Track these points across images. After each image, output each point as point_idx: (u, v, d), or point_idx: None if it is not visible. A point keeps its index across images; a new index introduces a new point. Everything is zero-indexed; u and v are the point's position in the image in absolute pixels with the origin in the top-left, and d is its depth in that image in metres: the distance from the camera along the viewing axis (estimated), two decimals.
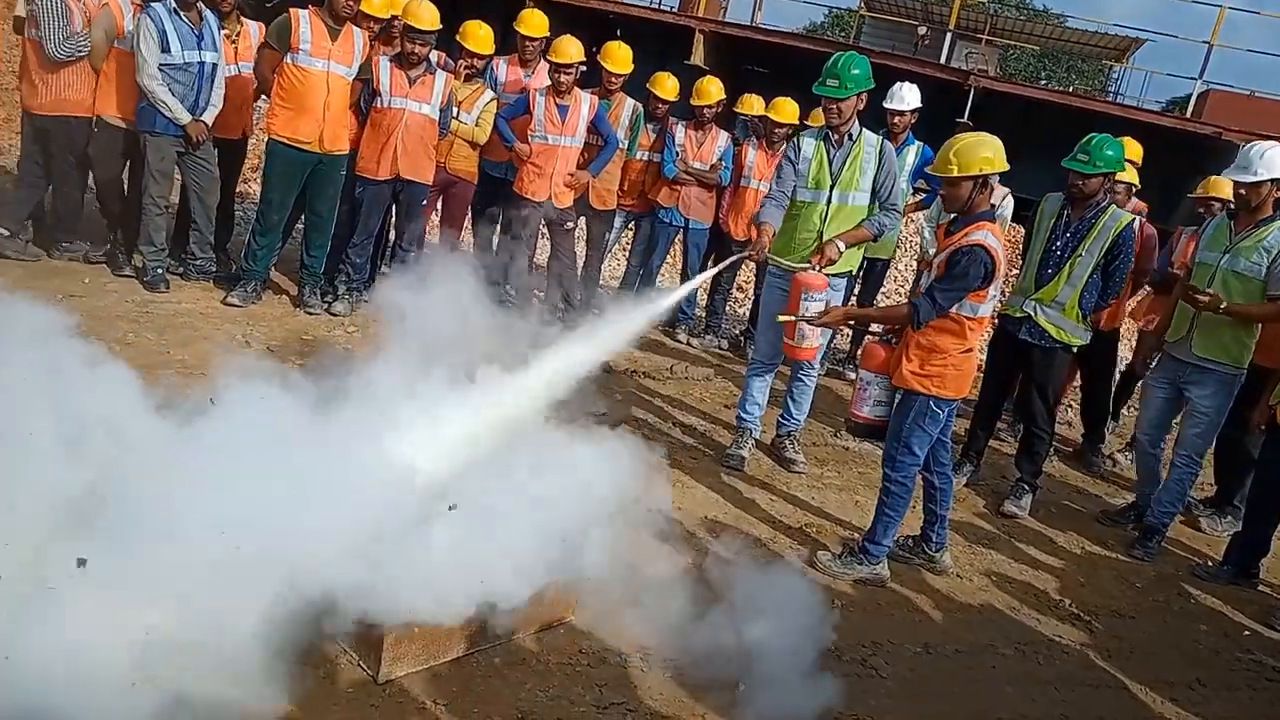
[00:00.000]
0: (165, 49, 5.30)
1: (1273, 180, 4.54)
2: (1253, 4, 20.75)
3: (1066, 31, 17.62)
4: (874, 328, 4.48)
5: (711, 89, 6.64)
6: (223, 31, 5.62)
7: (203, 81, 5.46)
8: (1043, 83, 24.41)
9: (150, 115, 5.40)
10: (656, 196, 6.72)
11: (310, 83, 5.45)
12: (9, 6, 6.33)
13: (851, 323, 4.86)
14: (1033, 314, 4.86)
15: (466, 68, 6.00)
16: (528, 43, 6.26)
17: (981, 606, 4.02)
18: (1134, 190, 5.71)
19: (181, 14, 5.34)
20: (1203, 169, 7.89)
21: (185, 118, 5.43)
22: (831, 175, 4.56)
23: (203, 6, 5.46)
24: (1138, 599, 4.39)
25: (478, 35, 5.97)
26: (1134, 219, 4.89)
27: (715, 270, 5.33)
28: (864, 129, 4.60)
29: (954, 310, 3.72)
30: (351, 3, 5.47)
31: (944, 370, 3.80)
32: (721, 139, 6.66)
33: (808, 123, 6.35)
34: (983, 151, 3.72)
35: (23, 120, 5.79)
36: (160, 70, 5.30)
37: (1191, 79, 12.72)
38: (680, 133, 6.62)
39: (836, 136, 4.55)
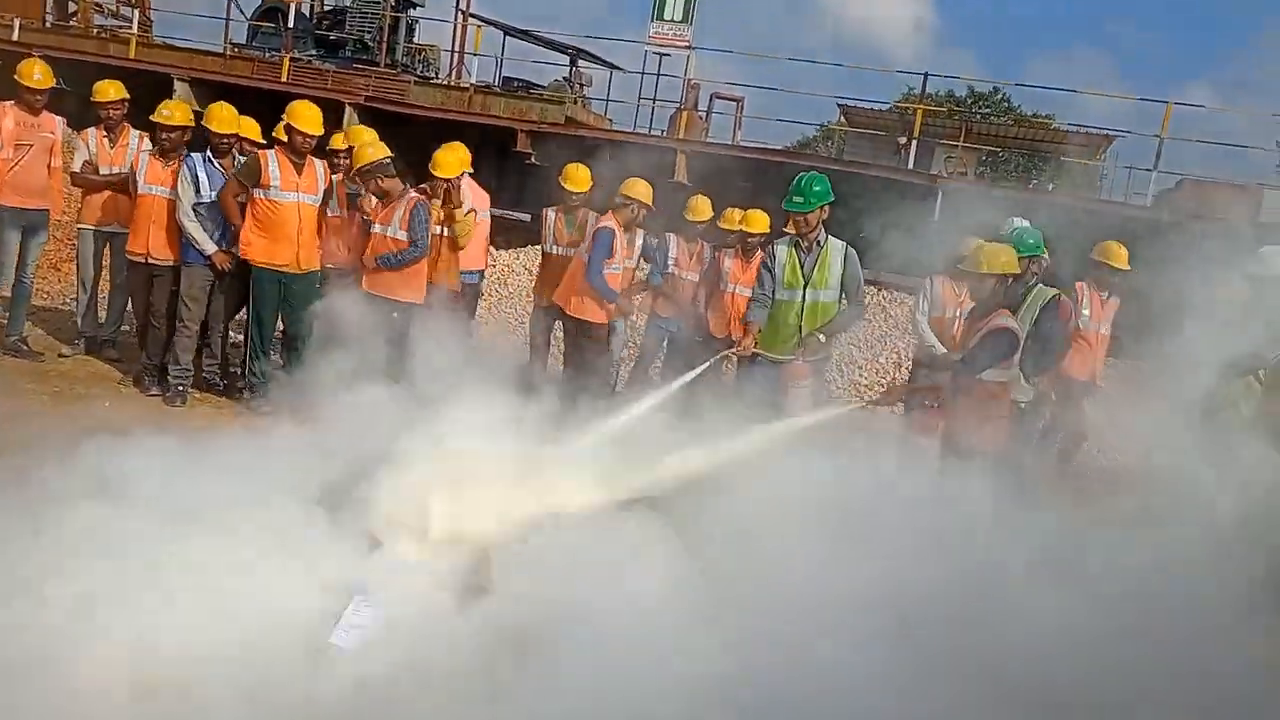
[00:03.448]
0: (198, 190, 6.36)
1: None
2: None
3: (1043, 132, 19.14)
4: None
5: (701, 205, 7.44)
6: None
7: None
8: (1033, 183, 25.93)
9: (185, 248, 6.43)
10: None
11: (283, 213, 6.37)
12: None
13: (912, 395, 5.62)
14: None
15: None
16: (573, 197, 7.19)
17: None
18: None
19: (215, 161, 6.44)
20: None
21: (211, 248, 6.43)
22: (804, 277, 5.47)
23: (236, 153, 6.52)
24: None
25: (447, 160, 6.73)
26: (1056, 294, 5.77)
27: (706, 365, 6.09)
28: (830, 236, 5.54)
29: (991, 377, 4.92)
30: (309, 140, 6.40)
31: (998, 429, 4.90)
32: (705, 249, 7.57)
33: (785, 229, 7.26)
34: (1002, 256, 5.02)
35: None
36: (194, 209, 6.35)
37: (1169, 172, 14.09)
38: (672, 245, 7.45)
39: (806, 243, 5.48)
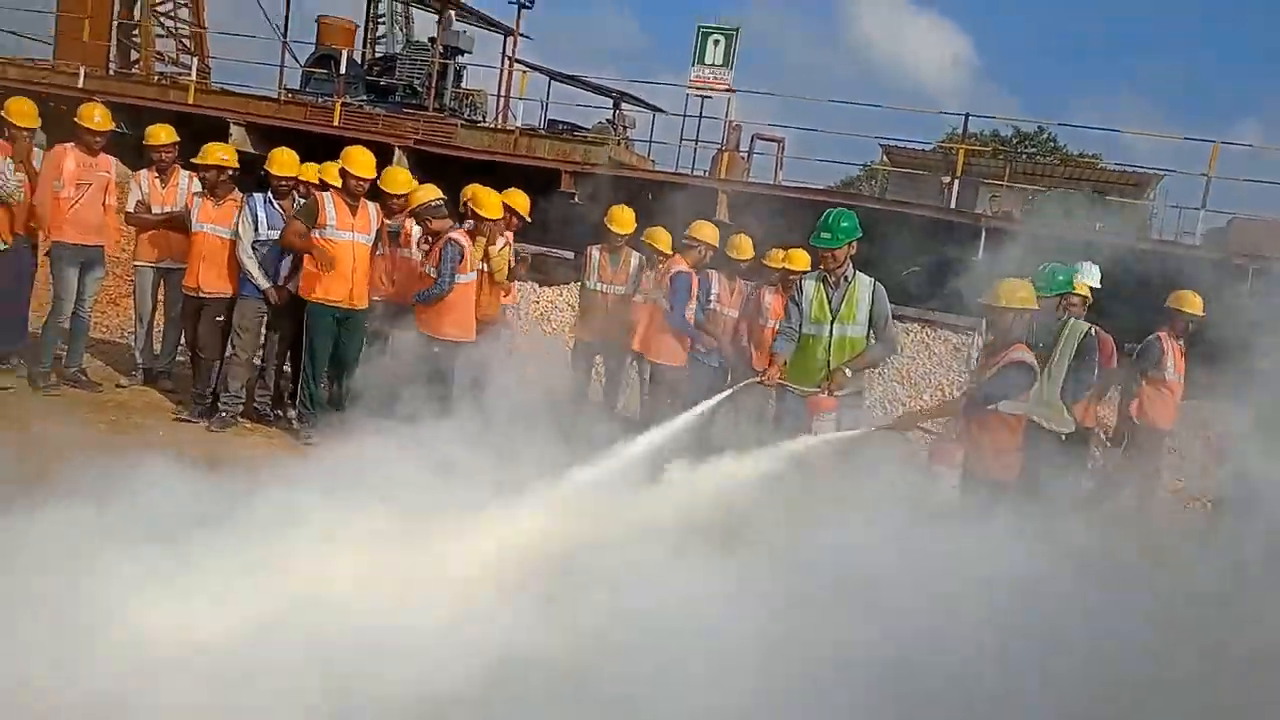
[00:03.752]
0: (256, 229, 6.75)
1: None
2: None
3: (1088, 171, 19.09)
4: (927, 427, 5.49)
5: (743, 244, 7.70)
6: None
7: (284, 255, 6.83)
8: (1082, 223, 25.72)
9: (242, 283, 6.81)
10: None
11: (338, 251, 6.68)
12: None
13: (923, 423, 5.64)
14: None
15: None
16: (618, 238, 7.49)
17: None
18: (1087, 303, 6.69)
19: (275, 202, 6.87)
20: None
21: (266, 284, 6.79)
22: (831, 312, 5.58)
23: (295, 196, 6.95)
24: None
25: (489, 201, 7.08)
26: (1090, 328, 5.96)
27: (730, 391, 6.11)
28: (858, 272, 5.65)
29: (1007, 409, 5.10)
30: (362, 183, 6.75)
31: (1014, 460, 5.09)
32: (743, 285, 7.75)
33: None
34: (1022, 291, 5.20)
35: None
36: (252, 246, 6.74)
37: (1217, 211, 14.06)
38: (715, 282, 7.61)
39: (834, 279, 5.59)
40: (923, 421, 5.45)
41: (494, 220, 7.15)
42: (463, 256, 6.70)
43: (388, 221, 7.07)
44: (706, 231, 7.38)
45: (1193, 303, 7.07)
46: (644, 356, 7.46)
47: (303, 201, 6.97)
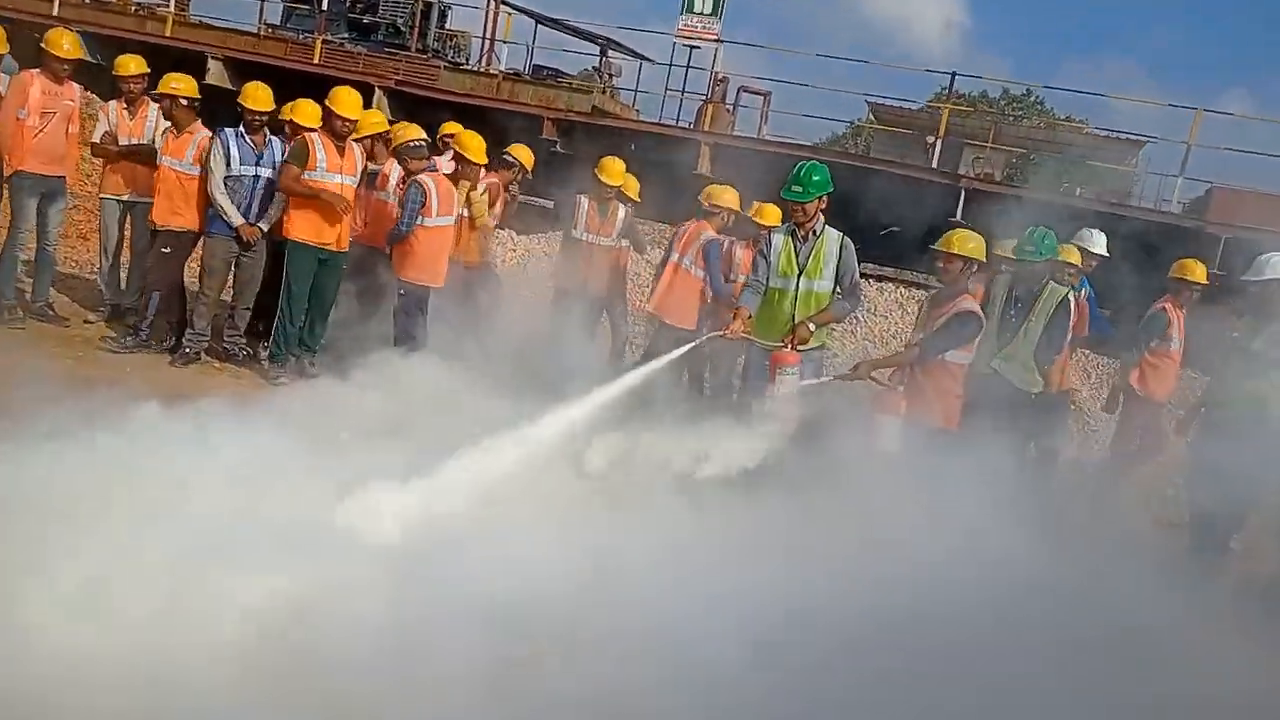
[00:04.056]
0: (229, 164, 6.68)
1: None
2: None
3: (1073, 136, 19.06)
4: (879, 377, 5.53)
5: (767, 210, 7.41)
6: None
7: (255, 191, 6.79)
8: (1064, 186, 25.82)
9: (212, 219, 6.76)
10: None
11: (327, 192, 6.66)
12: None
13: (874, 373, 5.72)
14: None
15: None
16: (608, 189, 7.49)
17: None
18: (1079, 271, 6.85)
19: (247, 137, 6.75)
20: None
21: (238, 220, 6.73)
22: (798, 266, 5.59)
23: (268, 131, 6.85)
24: None
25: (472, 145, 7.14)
26: (1068, 292, 5.99)
27: (693, 345, 6.05)
28: (827, 226, 5.66)
29: (953, 358, 5.32)
30: (348, 124, 6.74)
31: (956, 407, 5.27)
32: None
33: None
34: (971, 242, 5.40)
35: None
36: (224, 182, 6.67)
37: (1196, 180, 14.15)
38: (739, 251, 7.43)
39: (802, 233, 5.60)
40: (876, 371, 5.50)
41: (479, 165, 7.16)
42: (424, 201, 6.71)
43: (370, 164, 7.07)
44: (729, 197, 7.46)
45: (1196, 272, 7.08)
46: (662, 318, 7.41)
47: (274, 138, 6.92)
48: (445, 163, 7.50)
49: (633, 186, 7.77)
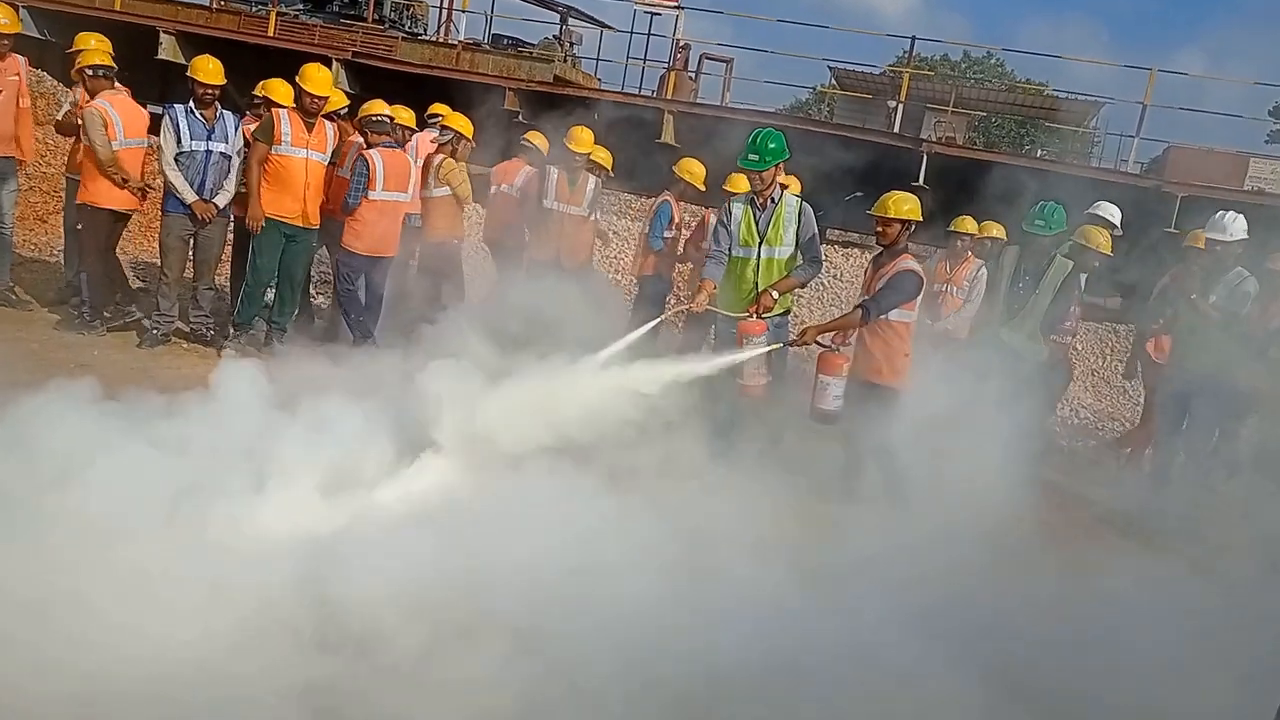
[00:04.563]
0: (179, 141, 6.63)
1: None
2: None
3: (1033, 98, 19.28)
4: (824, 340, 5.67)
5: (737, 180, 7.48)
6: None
7: (208, 167, 6.74)
8: (1026, 148, 26.07)
9: (166, 197, 6.72)
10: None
11: (292, 168, 6.74)
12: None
13: (820, 337, 5.84)
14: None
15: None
16: (576, 157, 7.61)
17: None
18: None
19: (197, 112, 6.68)
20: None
21: (192, 197, 6.68)
22: (759, 234, 5.69)
23: (219, 106, 6.79)
24: None
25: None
26: (1071, 265, 6.31)
27: (660, 320, 6.00)
28: (785, 192, 5.77)
29: (897, 317, 5.43)
30: (317, 101, 6.78)
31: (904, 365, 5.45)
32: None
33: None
34: (907, 204, 5.50)
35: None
36: (175, 159, 6.62)
37: (1154, 140, 14.40)
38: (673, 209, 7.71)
39: (761, 200, 5.70)
40: (822, 335, 5.63)
41: (469, 141, 7.51)
42: (369, 175, 6.82)
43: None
44: (690, 168, 7.77)
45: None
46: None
47: (225, 112, 6.91)
48: (426, 142, 7.60)
49: (605, 157, 7.85)
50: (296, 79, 6.79)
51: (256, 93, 7.07)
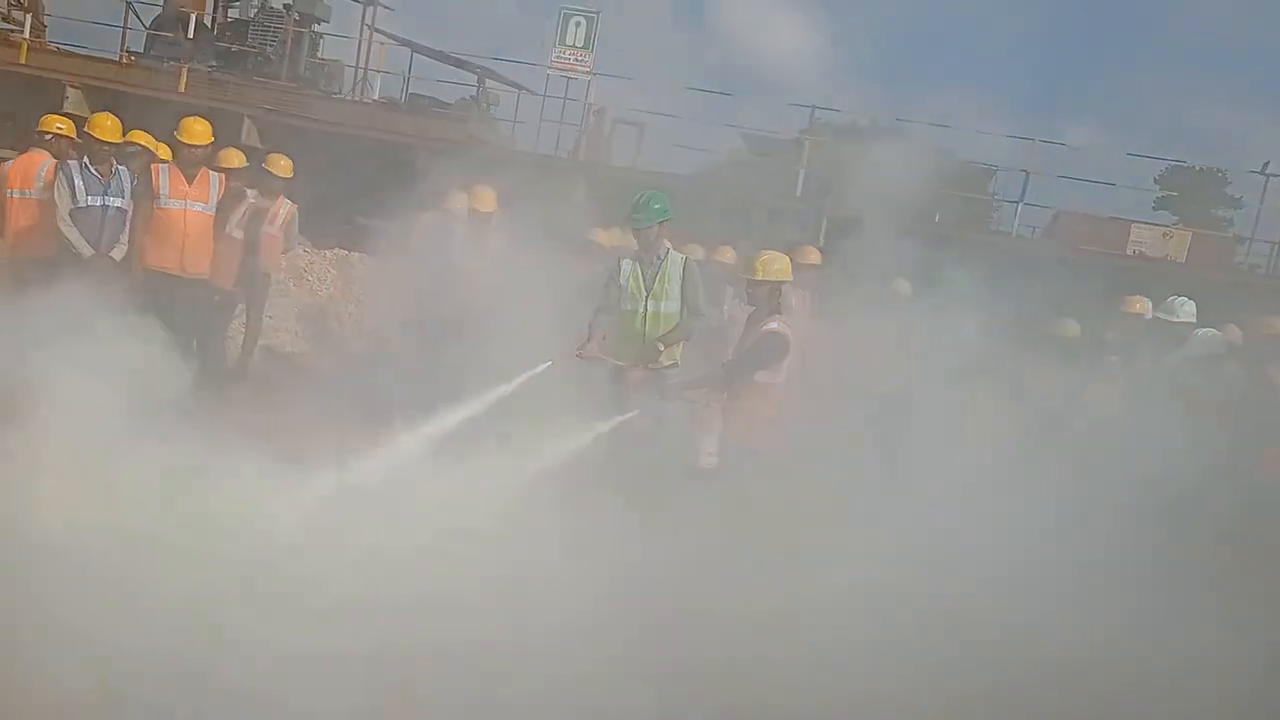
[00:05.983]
0: (74, 196, 6.76)
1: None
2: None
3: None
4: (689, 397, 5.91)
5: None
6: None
7: (105, 221, 6.86)
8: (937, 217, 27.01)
9: (63, 251, 6.80)
10: None
11: (170, 219, 7.02)
12: None
13: (686, 393, 6.10)
14: None
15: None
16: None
17: None
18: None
19: (92, 168, 6.84)
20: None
21: (88, 252, 6.77)
22: (645, 288, 6.04)
23: (115, 162, 6.98)
24: None
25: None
26: None
27: (547, 364, 6.08)
28: (670, 250, 6.10)
29: (764, 379, 5.59)
30: (193, 150, 7.08)
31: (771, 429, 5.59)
32: None
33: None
34: (777, 264, 5.68)
35: None
36: (70, 214, 6.75)
37: (1038, 206, 15.45)
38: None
39: (648, 257, 6.04)
40: (688, 391, 5.91)
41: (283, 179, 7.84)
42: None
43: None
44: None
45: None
46: None
47: (120, 167, 7.07)
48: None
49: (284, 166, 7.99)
50: (175, 132, 7.10)
51: (106, 138, 7.01)
